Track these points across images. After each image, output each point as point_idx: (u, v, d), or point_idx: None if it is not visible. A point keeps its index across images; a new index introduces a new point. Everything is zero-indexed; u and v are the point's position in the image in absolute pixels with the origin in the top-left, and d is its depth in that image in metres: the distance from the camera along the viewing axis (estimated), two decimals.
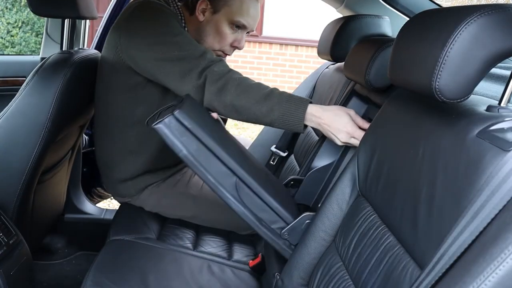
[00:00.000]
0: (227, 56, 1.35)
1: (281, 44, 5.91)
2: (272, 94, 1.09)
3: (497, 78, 1.07)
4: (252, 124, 1.72)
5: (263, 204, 1.02)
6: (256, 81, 1.14)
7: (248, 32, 1.31)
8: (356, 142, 1.05)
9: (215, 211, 1.36)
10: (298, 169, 1.57)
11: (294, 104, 1.08)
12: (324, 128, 1.09)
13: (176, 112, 0.93)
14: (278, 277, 1.11)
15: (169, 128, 0.93)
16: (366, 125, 1.07)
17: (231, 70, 1.13)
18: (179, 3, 1.29)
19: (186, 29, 1.28)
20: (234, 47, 1.30)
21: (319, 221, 1.00)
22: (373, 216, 0.86)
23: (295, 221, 1.03)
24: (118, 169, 1.32)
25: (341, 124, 1.06)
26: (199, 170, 0.96)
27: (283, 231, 1.03)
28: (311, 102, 1.10)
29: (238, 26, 1.26)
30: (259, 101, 1.08)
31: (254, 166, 1.11)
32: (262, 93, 1.09)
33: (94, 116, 1.40)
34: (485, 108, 0.69)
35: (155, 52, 1.12)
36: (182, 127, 0.94)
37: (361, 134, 1.02)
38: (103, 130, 1.35)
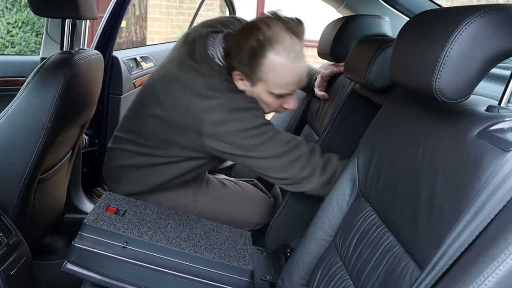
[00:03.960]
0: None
1: None
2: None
3: (497, 78, 1.07)
4: None
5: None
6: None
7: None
8: None
9: (217, 207, 1.36)
10: None
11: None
12: None
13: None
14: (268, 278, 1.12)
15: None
16: None
17: None
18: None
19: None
20: (285, 108, 1.24)
21: (319, 221, 1.00)
22: (373, 216, 0.86)
23: None
24: (128, 185, 1.30)
25: None
26: None
27: None
28: None
29: (282, 95, 1.18)
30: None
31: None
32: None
33: (122, 124, 1.34)
34: (485, 108, 0.69)
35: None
36: None
37: None
38: (129, 145, 1.28)
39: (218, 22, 1.32)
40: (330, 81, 1.59)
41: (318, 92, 1.56)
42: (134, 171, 1.29)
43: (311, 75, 1.61)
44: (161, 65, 1.30)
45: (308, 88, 1.62)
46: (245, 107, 1.15)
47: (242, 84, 1.18)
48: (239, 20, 1.35)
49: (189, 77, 1.16)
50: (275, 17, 1.14)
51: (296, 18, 1.16)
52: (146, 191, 1.29)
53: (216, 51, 1.19)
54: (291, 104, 1.22)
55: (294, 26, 1.13)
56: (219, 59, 1.19)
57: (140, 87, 1.58)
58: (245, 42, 1.11)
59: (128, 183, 1.29)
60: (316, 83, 1.57)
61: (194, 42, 1.22)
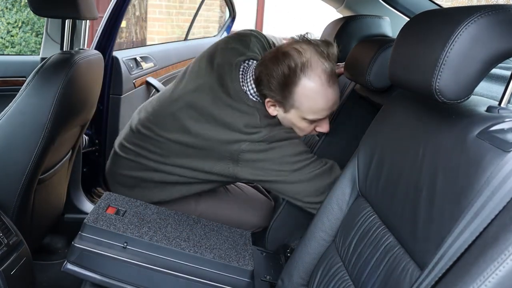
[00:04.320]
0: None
1: None
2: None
3: (497, 79, 1.07)
4: None
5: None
6: None
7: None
8: None
9: (218, 210, 1.36)
10: None
11: None
12: None
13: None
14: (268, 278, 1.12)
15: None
16: None
17: None
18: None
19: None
20: (318, 131, 1.22)
21: (319, 221, 1.00)
22: (373, 217, 0.86)
23: None
24: (140, 194, 1.29)
25: None
26: None
27: None
28: None
29: (315, 120, 1.16)
30: None
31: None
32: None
33: (132, 137, 1.30)
34: (485, 108, 0.69)
35: None
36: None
37: None
38: (145, 160, 1.26)
39: (238, 41, 1.27)
40: None
41: None
42: (147, 183, 1.28)
43: None
44: (184, 88, 1.24)
45: None
46: (286, 137, 1.15)
47: (274, 110, 1.17)
48: (256, 36, 1.31)
49: (226, 114, 1.15)
50: (305, 42, 1.12)
51: (326, 40, 1.14)
52: (156, 203, 1.28)
53: (249, 87, 1.18)
54: (324, 128, 1.20)
55: (325, 49, 1.11)
56: (252, 95, 1.18)
57: (151, 97, 1.53)
58: (276, 69, 1.09)
59: (140, 192, 1.28)
60: None
61: (223, 70, 1.19)
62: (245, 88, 1.18)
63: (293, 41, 1.14)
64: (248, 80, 1.18)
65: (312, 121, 1.16)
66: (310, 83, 1.09)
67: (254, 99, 1.18)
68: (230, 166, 1.15)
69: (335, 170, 1.17)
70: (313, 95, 1.10)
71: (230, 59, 1.21)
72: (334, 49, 1.12)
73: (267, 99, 1.15)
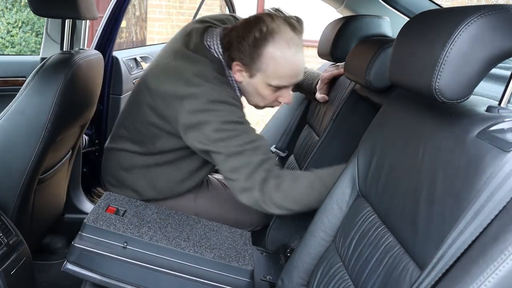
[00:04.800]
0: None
1: None
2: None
3: (497, 79, 1.07)
4: (254, 122, 1.70)
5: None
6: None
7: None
8: None
9: (217, 207, 1.36)
10: (298, 169, 1.57)
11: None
12: None
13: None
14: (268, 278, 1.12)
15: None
16: None
17: None
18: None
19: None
20: (280, 102, 1.25)
21: (319, 221, 1.00)
22: (373, 217, 0.86)
23: None
24: (127, 193, 1.29)
25: None
26: None
27: None
28: None
29: (279, 87, 1.19)
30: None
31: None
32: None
33: (117, 121, 1.37)
34: (485, 108, 0.69)
35: None
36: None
37: None
38: (123, 141, 1.30)
39: (216, 19, 1.34)
40: (331, 83, 1.60)
41: (318, 94, 1.57)
42: (133, 175, 1.29)
43: (312, 79, 1.61)
44: (156, 56, 1.32)
45: (309, 92, 1.62)
46: (226, 101, 1.15)
47: (240, 76, 1.20)
48: (237, 19, 1.36)
49: (180, 64, 1.18)
50: (277, 13, 1.18)
51: (296, 16, 1.20)
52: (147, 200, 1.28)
53: (214, 43, 1.21)
54: (286, 98, 1.23)
55: (295, 22, 1.17)
56: (215, 51, 1.21)
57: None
58: (248, 32, 1.14)
59: (128, 191, 1.29)
60: (318, 86, 1.57)
61: (191, 34, 1.24)
62: (208, 43, 1.21)
63: (267, 11, 1.19)
64: (214, 37, 1.22)
65: (276, 89, 1.19)
66: (279, 47, 1.14)
67: (215, 54, 1.21)
68: (175, 128, 1.17)
69: (257, 153, 1.14)
70: (280, 59, 1.14)
71: (199, 27, 1.26)
72: (303, 25, 1.19)
73: (235, 62, 1.18)
